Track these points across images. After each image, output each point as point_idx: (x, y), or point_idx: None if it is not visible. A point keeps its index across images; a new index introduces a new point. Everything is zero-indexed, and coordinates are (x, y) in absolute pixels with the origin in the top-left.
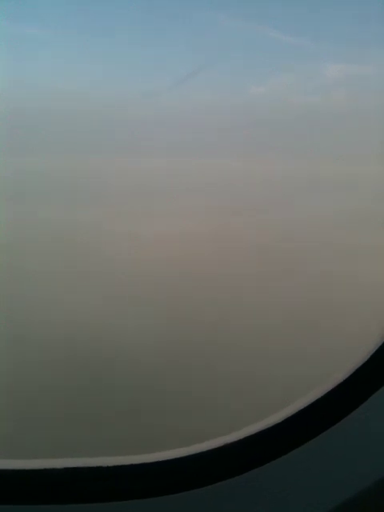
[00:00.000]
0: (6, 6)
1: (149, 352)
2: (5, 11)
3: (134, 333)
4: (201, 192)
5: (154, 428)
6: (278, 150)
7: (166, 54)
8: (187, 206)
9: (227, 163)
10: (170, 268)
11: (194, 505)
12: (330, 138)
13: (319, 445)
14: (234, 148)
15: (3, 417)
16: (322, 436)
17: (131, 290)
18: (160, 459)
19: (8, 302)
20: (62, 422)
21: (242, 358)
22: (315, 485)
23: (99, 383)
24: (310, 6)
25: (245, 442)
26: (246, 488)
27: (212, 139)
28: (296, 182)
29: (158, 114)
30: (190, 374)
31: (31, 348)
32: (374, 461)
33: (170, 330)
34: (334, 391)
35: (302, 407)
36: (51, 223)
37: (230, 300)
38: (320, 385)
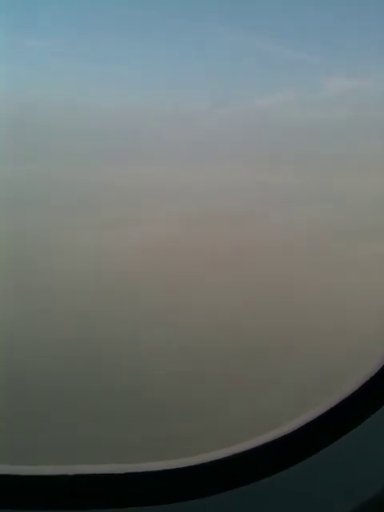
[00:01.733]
0: (7, 19)
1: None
2: (7, 23)
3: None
4: (194, 201)
5: (157, 437)
6: (279, 162)
7: (168, 67)
8: (177, 214)
9: (227, 174)
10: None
11: None
12: (332, 150)
13: (324, 458)
14: (234, 160)
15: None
16: (326, 449)
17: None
18: (165, 468)
19: None
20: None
21: (239, 374)
22: (320, 496)
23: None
24: (312, 21)
25: (250, 453)
26: (251, 499)
27: (211, 151)
28: (296, 193)
29: (158, 125)
30: (192, 383)
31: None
32: (377, 472)
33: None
34: (338, 406)
35: (307, 420)
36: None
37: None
38: (323, 400)
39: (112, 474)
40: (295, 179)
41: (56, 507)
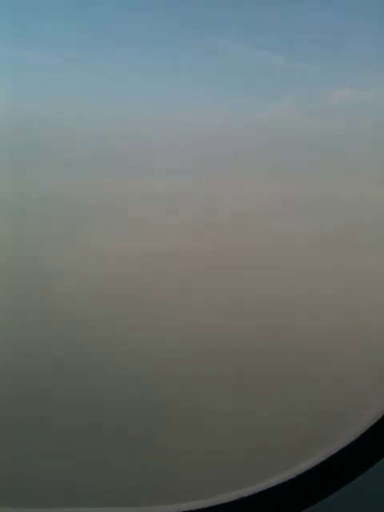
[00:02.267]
0: (7, 31)
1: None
2: (7, 35)
3: None
4: (194, 212)
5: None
6: (280, 173)
7: (169, 78)
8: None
9: (228, 185)
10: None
11: None
12: (332, 161)
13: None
14: (236, 170)
15: None
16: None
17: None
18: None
19: None
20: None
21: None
22: None
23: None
24: (313, 31)
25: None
26: None
27: (212, 161)
28: (296, 203)
29: (160, 137)
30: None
31: None
32: None
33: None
34: (339, 454)
35: (309, 467)
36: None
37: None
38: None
39: None
40: (297, 190)
41: None
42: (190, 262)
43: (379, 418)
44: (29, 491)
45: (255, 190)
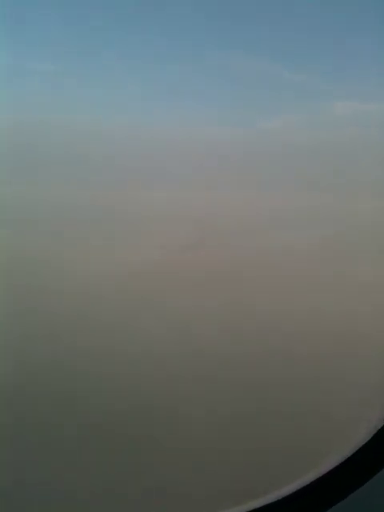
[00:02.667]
0: (9, 41)
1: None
2: (8, 46)
3: None
4: (194, 224)
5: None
6: (283, 185)
7: (170, 89)
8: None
9: (229, 196)
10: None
11: None
12: (335, 173)
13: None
14: (237, 182)
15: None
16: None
17: None
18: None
19: None
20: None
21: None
22: None
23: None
24: (315, 43)
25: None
26: None
27: (216, 173)
28: (298, 216)
29: (163, 147)
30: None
31: None
32: None
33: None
34: (338, 467)
35: (306, 483)
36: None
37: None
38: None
39: None
40: (297, 202)
41: None
42: (189, 270)
43: (372, 435)
44: (28, 495)
45: (255, 200)
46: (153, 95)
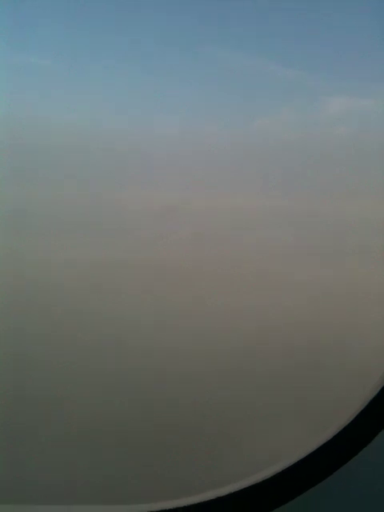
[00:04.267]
0: (8, 36)
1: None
2: (8, 41)
3: None
4: (189, 223)
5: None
6: (277, 185)
7: (169, 87)
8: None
9: (224, 196)
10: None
11: None
12: (331, 173)
13: (319, 493)
14: (233, 181)
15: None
16: (322, 484)
17: None
18: (163, 508)
19: None
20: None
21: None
22: None
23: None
24: (311, 40)
25: (244, 492)
26: None
27: (211, 172)
28: (294, 217)
29: (157, 146)
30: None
31: None
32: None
33: None
34: (333, 439)
35: (298, 459)
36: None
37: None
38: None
39: None
40: (295, 202)
41: None
42: (185, 272)
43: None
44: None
45: (250, 200)
46: (147, 92)
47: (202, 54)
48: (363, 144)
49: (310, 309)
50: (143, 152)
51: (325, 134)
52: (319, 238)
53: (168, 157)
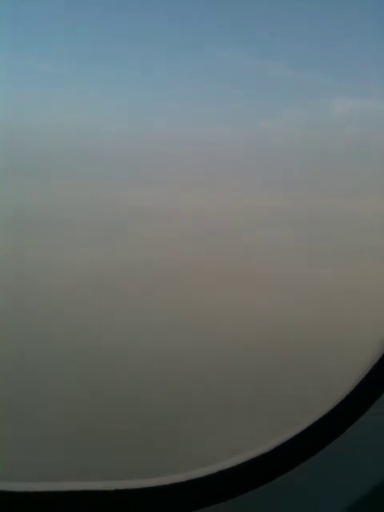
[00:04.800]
0: (9, 40)
1: None
2: (9, 45)
3: None
4: (196, 222)
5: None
6: (284, 185)
7: (175, 88)
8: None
9: (230, 195)
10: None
11: None
12: (337, 173)
13: (315, 464)
14: (239, 181)
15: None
16: (319, 454)
17: None
18: (161, 484)
19: None
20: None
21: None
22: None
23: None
24: (317, 41)
25: (243, 466)
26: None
27: (215, 172)
28: (298, 217)
29: (163, 147)
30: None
31: None
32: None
33: None
34: (331, 412)
35: (293, 435)
36: None
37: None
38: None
39: (103, 491)
40: (297, 201)
41: None
42: (182, 270)
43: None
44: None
45: (253, 199)
46: (151, 93)
47: (207, 55)
48: (368, 144)
49: (300, 307)
50: (145, 152)
51: (329, 134)
52: (322, 237)
53: (172, 157)
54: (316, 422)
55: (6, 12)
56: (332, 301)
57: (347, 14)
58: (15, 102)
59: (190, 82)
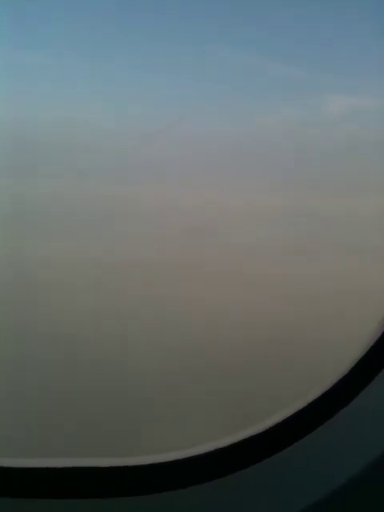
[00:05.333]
0: (8, 34)
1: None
2: (8, 39)
3: None
4: (189, 220)
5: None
6: (278, 182)
7: (171, 86)
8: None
9: (224, 193)
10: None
11: (184, 502)
12: (333, 170)
13: (305, 446)
14: (234, 179)
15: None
16: (309, 436)
17: None
18: (154, 461)
19: None
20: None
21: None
22: (305, 479)
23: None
24: (312, 38)
25: (234, 446)
26: (231, 490)
27: (209, 169)
28: (294, 214)
29: (161, 144)
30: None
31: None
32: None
33: None
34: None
35: (283, 417)
36: None
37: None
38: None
39: (99, 467)
40: (295, 199)
41: (54, 497)
42: (177, 270)
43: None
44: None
45: (251, 197)
46: (147, 90)
47: (206, 53)
48: (365, 142)
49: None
50: (142, 150)
51: (327, 131)
52: (319, 234)
53: (169, 155)
54: (310, 402)
55: (5, 7)
56: (332, 300)
57: (344, 12)
58: (13, 96)
59: (186, 79)
